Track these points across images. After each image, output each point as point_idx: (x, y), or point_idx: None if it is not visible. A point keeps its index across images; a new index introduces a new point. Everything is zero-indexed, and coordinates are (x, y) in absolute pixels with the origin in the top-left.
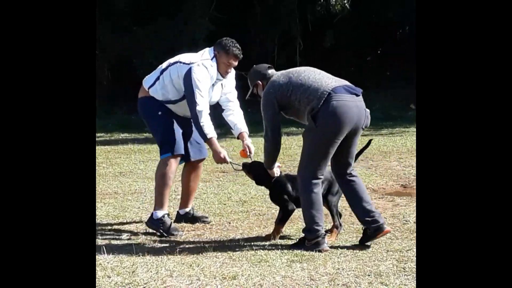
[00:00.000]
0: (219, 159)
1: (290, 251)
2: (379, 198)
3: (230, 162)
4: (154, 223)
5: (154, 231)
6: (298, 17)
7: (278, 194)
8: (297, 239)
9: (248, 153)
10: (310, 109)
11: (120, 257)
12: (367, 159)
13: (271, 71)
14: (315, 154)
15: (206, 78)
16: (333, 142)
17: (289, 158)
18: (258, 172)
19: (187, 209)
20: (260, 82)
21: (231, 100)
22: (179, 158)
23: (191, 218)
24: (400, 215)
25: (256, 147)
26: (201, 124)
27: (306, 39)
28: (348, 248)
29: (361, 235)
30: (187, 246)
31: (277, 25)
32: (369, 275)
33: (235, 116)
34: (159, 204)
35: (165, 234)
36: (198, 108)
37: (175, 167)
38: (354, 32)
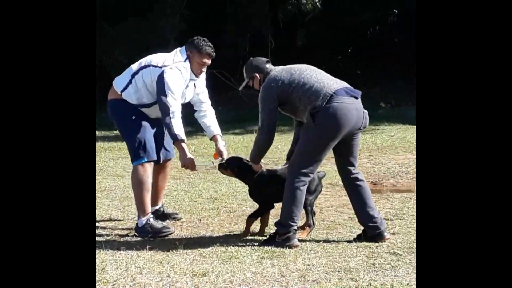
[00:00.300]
0: (185, 164)
1: (261, 248)
2: None
3: (199, 165)
4: (142, 230)
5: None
6: (270, 17)
7: (258, 190)
8: (268, 236)
9: (221, 159)
10: (311, 108)
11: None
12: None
13: (269, 66)
14: (310, 152)
15: (180, 81)
16: (329, 143)
17: None
18: (238, 166)
19: (157, 207)
20: (257, 75)
21: (203, 101)
22: (152, 163)
23: (161, 215)
24: None
25: (228, 145)
26: (173, 126)
27: (277, 39)
28: (318, 244)
29: (331, 231)
30: (157, 243)
31: (249, 24)
32: (339, 271)
33: (208, 118)
34: (141, 211)
35: (157, 237)
36: (170, 110)
37: (150, 171)
38: (325, 32)
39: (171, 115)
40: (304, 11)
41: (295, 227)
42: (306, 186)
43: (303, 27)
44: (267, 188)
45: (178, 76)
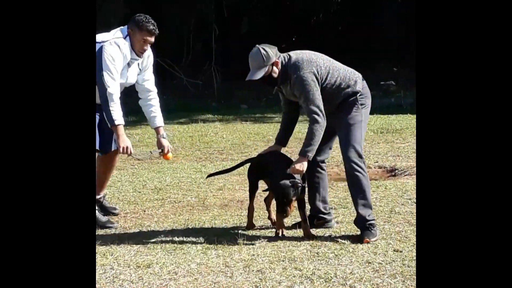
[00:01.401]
0: (123, 148)
1: (205, 238)
2: None
3: (133, 155)
4: None
5: None
6: (214, 3)
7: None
8: (361, 233)
9: (160, 150)
10: (353, 93)
11: None
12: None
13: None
14: (361, 135)
15: (118, 57)
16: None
17: (205, 145)
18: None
19: (98, 196)
20: (277, 61)
21: (150, 90)
22: (97, 153)
23: (100, 206)
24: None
25: (173, 135)
26: (110, 108)
27: (221, 26)
28: (263, 234)
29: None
30: (100, 235)
31: (192, 10)
32: (283, 261)
33: (153, 108)
34: None
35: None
36: (108, 90)
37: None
38: (269, 19)
39: (108, 98)
40: None
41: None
42: (365, 169)
43: (247, 15)
44: None
45: (117, 51)
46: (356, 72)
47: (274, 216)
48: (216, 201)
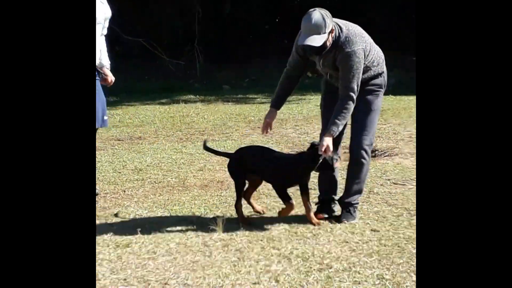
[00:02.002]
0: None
1: (184, 218)
2: None
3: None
4: None
5: None
6: None
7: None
8: (343, 214)
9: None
10: (377, 72)
11: None
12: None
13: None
14: (376, 123)
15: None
16: None
17: (186, 126)
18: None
19: None
20: (333, 29)
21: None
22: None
23: None
24: None
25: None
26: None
27: (204, 7)
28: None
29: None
30: None
31: None
32: (261, 240)
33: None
34: None
35: None
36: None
37: None
38: (253, 1)
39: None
40: None
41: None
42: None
43: None
44: None
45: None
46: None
47: (258, 207)
48: (196, 181)
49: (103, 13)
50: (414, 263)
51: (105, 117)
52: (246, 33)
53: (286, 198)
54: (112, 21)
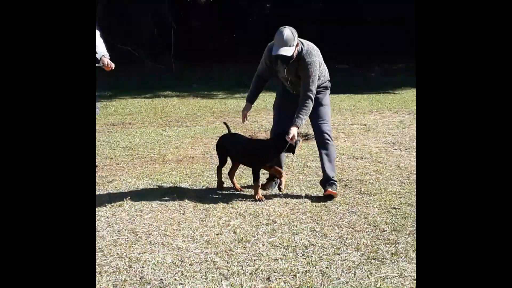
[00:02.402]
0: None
1: (164, 185)
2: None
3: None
4: None
5: None
6: (168, 2)
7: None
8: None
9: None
10: (326, 79)
11: None
12: (221, 119)
13: None
14: (330, 112)
15: None
16: None
17: (165, 115)
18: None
19: None
20: (298, 44)
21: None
22: None
23: None
24: None
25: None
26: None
27: (178, 21)
28: (208, 183)
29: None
30: None
31: (154, 14)
32: (223, 202)
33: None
34: None
35: None
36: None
37: None
38: (216, 18)
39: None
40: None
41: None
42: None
43: (199, 13)
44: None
45: None
46: None
47: (237, 186)
48: (173, 157)
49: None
50: (338, 219)
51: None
52: (210, 45)
53: (257, 178)
54: (105, 33)
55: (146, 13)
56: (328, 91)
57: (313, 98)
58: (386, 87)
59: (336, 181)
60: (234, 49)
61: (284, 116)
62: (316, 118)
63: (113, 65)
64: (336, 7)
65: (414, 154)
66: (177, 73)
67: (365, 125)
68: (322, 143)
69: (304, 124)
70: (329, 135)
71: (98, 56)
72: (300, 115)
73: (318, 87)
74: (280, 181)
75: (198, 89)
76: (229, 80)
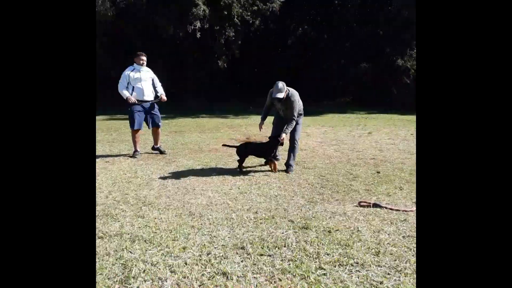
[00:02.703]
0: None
1: (201, 163)
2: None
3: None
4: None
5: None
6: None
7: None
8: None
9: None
10: (301, 110)
11: None
12: (232, 130)
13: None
14: (299, 130)
15: (124, 73)
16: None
17: (202, 127)
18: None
19: (156, 146)
20: (286, 91)
21: (157, 84)
22: (139, 130)
23: (157, 149)
24: None
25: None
26: (122, 94)
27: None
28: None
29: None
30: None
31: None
32: (242, 180)
33: (159, 88)
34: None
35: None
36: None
37: (135, 134)
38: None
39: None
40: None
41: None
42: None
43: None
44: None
45: (124, 74)
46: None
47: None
48: (206, 149)
49: (151, 74)
50: (293, 182)
51: (155, 120)
52: (228, 88)
53: (272, 158)
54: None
55: (195, 72)
56: (302, 116)
57: (294, 120)
58: (318, 113)
59: (292, 165)
60: (238, 95)
61: (279, 128)
62: (293, 131)
63: (165, 98)
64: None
65: (333, 147)
66: (208, 105)
67: (307, 132)
68: (293, 146)
69: (288, 132)
70: (297, 141)
71: (158, 94)
72: (289, 128)
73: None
74: (273, 167)
75: (219, 114)
76: (236, 107)
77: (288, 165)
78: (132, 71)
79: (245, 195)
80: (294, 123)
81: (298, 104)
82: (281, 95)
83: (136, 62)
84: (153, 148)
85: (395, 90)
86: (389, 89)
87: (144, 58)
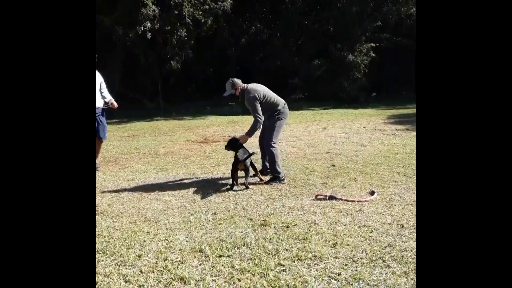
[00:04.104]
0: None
1: (156, 166)
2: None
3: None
4: None
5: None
6: (159, 72)
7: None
8: (269, 179)
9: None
10: (274, 110)
11: None
12: (188, 131)
13: (242, 83)
14: (277, 132)
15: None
16: (282, 127)
17: (157, 130)
18: (233, 144)
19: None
20: (239, 88)
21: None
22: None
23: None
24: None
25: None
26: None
27: (165, 80)
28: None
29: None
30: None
31: (149, 72)
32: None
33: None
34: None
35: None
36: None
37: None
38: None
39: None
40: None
41: (282, 171)
42: (277, 147)
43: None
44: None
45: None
46: (281, 100)
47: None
48: (161, 152)
49: (100, 79)
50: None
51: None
52: (182, 90)
53: (241, 164)
54: (122, 86)
55: (147, 74)
56: (278, 115)
57: (258, 119)
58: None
59: (277, 176)
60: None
61: (264, 131)
62: (262, 133)
63: (116, 105)
64: None
65: (290, 143)
66: (164, 108)
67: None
68: (267, 150)
69: (250, 135)
70: (269, 144)
71: (107, 100)
72: (250, 129)
73: (267, 113)
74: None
75: (178, 116)
76: (195, 114)
77: (264, 173)
78: None
79: (203, 196)
80: (256, 123)
81: (260, 100)
82: (226, 93)
83: None
84: None
85: (347, 85)
86: (341, 84)
87: None
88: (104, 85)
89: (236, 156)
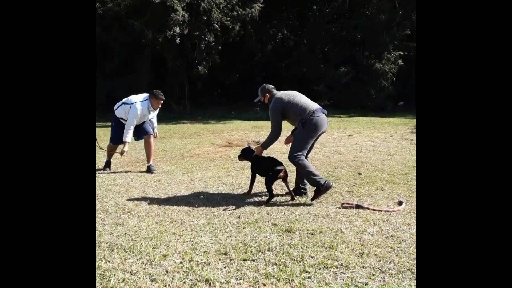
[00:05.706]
0: (122, 151)
1: (182, 168)
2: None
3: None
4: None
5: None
6: (186, 78)
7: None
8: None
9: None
10: (300, 119)
11: None
12: (214, 135)
13: (274, 90)
14: (302, 143)
15: (135, 115)
16: (312, 139)
17: (183, 133)
18: (247, 154)
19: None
20: (267, 95)
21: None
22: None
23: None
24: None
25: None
26: (127, 132)
27: (191, 86)
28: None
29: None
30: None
31: (174, 85)
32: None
33: (155, 123)
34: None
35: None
36: (126, 126)
37: (113, 147)
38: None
39: (126, 128)
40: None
41: (322, 177)
42: (304, 158)
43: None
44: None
45: (135, 111)
46: (309, 109)
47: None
48: (187, 154)
49: (154, 114)
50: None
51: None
52: (209, 93)
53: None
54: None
55: (175, 78)
56: (306, 127)
57: (275, 131)
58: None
59: (305, 189)
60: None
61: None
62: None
63: (157, 134)
64: None
65: (315, 150)
66: (191, 111)
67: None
68: (292, 161)
69: (271, 145)
70: (294, 157)
71: (154, 126)
72: (265, 141)
73: (295, 121)
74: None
75: (203, 120)
76: (217, 118)
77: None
78: (144, 108)
79: (228, 199)
80: (271, 135)
81: (284, 110)
82: (256, 99)
83: (153, 105)
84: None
85: (374, 93)
86: (368, 92)
87: (161, 103)
88: (155, 119)
89: (266, 165)
